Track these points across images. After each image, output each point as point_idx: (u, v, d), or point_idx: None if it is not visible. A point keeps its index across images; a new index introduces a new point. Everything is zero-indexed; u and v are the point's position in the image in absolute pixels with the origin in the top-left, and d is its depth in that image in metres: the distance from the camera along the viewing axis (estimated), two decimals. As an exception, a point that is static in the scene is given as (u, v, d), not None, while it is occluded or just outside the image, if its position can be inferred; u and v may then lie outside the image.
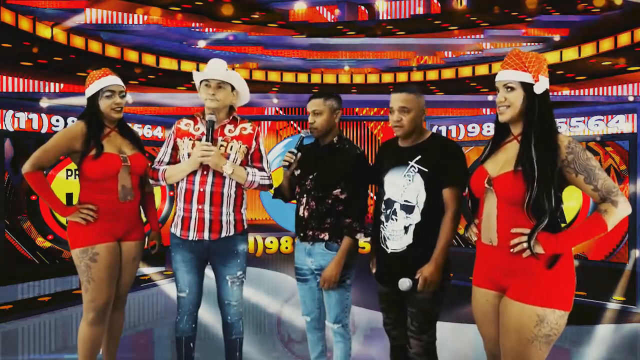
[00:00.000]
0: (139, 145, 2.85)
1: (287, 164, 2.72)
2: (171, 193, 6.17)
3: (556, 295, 1.94)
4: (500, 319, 2.03)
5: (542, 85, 1.96)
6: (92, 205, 2.66)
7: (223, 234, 2.71)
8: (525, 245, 1.91)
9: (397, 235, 2.42)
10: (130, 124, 2.98)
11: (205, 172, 2.67)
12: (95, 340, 2.69)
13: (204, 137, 2.67)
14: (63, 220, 5.14)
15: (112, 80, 2.71)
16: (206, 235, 2.69)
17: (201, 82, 2.72)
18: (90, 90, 2.72)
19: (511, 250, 1.95)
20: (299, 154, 2.73)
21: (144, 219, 2.92)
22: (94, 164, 2.64)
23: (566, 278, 1.97)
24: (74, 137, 2.65)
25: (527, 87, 1.98)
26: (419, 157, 2.41)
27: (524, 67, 1.97)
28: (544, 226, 1.90)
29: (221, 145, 2.69)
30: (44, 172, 2.70)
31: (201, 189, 2.66)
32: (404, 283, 2.37)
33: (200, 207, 2.66)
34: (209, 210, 2.67)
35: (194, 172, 2.66)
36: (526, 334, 1.93)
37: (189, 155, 2.68)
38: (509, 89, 2.00)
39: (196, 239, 2.69)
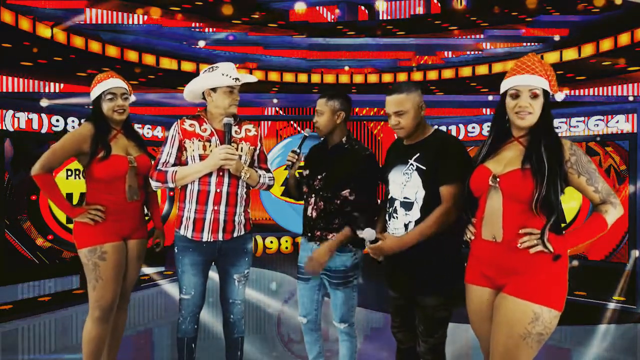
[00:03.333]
0: (142, 146, 2.88)
1: (290, 163, 2.73)
2: (171, 193, 6.17)
3: (554, 294, 1.97)
4: (494, 314, 2.04)
5: (561, 94, 2.01)
6: (100, 205, 2.68)
7: (235, 234, 2.72)
8: (535, 241, 1.94)
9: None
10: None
11: (221, 173, 2.65)
12: (101, 339, 2.72)
13: (222, 141, 2.63)
14: (63, 220, 5.14)
15: (113, 82, 2.73)
16: (220, 236, 2.68)
17: (223, 87, 2.63)
18: (93, 94, 2.75)
19: (519, 245, 1.96)
20: (302, 153, 2.72)
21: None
22: (103, 165, 2.66)
23: (562, 279, 2.01)
24: (82, 139, 2.67)
25: (545, 95, 2.02)
26: (418, 154, 2.38)
27: (545, 75, 2.02)
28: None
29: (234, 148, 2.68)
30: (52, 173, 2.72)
31: (218, 190, 2.65)
32: (369, 232, 2.34)
33: (215, 207, 2.65)
34: (224, 211, 2.67)
35: (209, 173, 2.64)
36: (519, 330, 1.94)
37: (200, 156, 2.65)
38: (533, 96, 2.00)
39: (211, 240, 2.68)
